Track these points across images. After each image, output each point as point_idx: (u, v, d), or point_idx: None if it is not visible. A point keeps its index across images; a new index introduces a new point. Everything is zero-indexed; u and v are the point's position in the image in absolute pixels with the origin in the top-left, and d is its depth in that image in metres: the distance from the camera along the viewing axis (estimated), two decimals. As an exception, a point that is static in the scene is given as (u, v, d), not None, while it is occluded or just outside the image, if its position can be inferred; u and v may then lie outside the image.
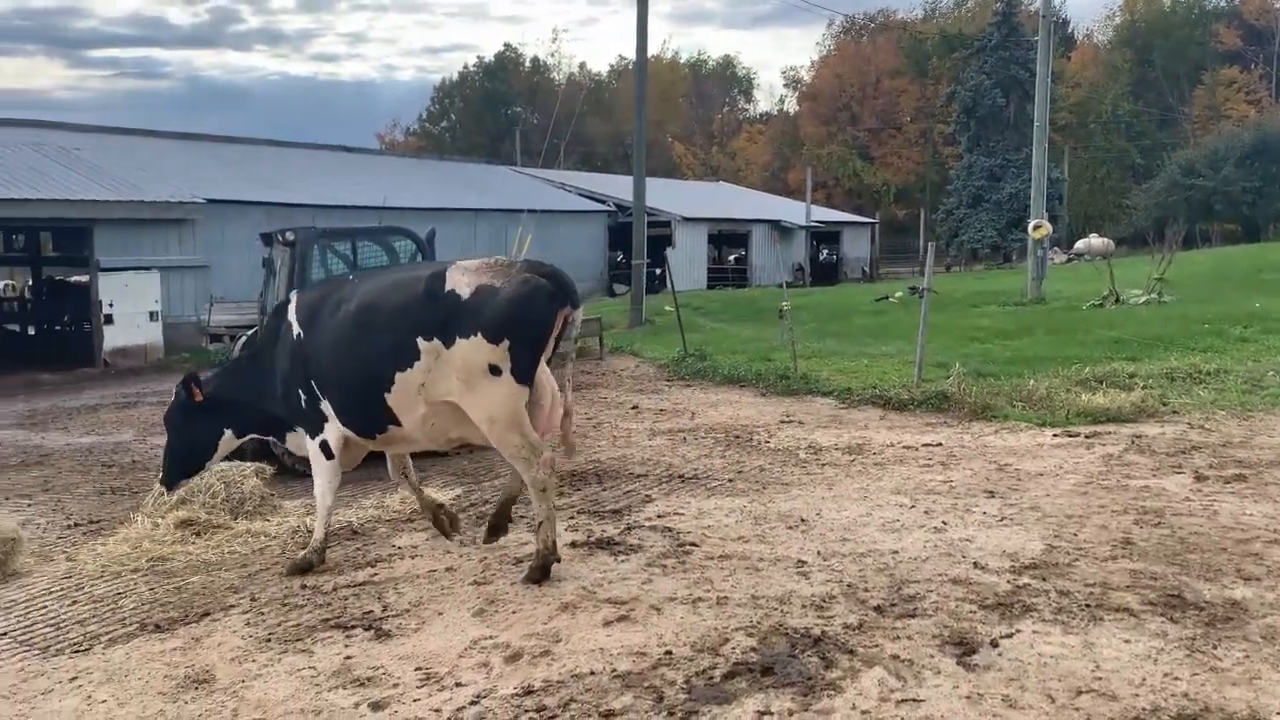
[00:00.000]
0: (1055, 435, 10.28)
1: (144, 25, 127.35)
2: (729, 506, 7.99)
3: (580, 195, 40.07)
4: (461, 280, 6.20)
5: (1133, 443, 9.67)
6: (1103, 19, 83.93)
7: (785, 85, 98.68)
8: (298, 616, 5.89)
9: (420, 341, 6.18)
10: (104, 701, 4.86)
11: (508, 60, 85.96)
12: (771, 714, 4.41)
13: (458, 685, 4.84)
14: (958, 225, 57.88)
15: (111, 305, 20.85)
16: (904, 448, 10.01)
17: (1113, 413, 10.89)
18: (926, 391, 12.37)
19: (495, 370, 6.10)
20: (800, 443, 10.47)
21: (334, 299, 6.71)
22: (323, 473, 6.82)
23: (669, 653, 5.10)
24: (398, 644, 5.40)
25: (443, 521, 7.20)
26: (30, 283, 30.08)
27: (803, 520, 7.48)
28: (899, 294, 17.05)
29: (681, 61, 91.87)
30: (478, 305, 6.10)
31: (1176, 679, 4.60)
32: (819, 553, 6.67)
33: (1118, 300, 21.80)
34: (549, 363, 6.61)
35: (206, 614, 6.01)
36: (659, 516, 7.77)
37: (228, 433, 7.10)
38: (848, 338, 18.76)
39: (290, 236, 10.83)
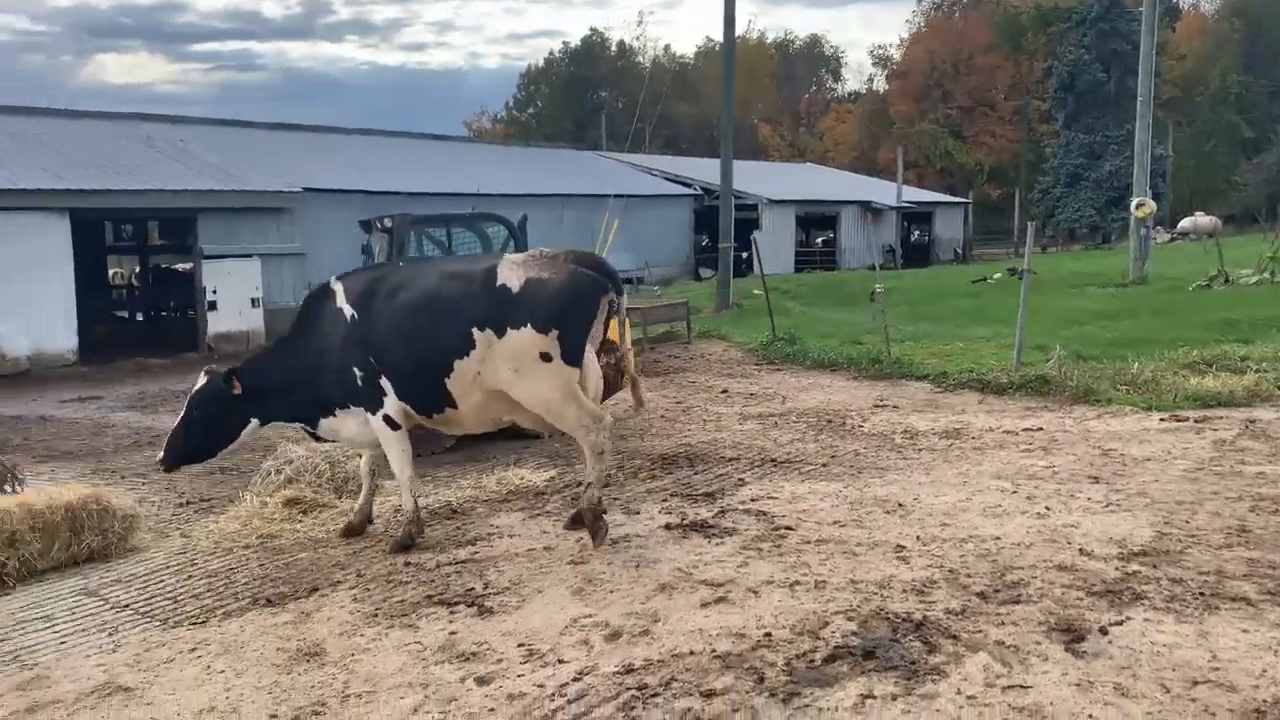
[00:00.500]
0: (1162, 420, 9.95)
1: (240, 19, 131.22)
2: (824, 491, 7.93)
3: (666, 179, 40.04)
4: (511, 274, 6.62)
5: (1246, 428, 9.32)
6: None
7: (874, 64, 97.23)
8: (402, 593, 6.04)
9: (475, 332, 6.56)
10: (222, 672, 5.06)
11: (593, 45, 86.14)
12: (874, 697, 4.38)
13: (560, 662, 4.91)
14: (1054, 205, 56.32)
15: (215, 292, 21.57)
16: (1003, 432, 9.80)
17: (1224, 397, 10.51)
18: (1026, 375, 12.09)
19: (546, 357, 6.50)
20: (895, 427, 10.32)
21: (386, 284, 6.98)
22: (393, 444, 7.02)
23: (768, 635, 5.09)
24: (500, 620, 5.50)
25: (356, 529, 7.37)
26: (138, 270, 31.37)
27: (900, 505, 7.38)
28: (997, 275, 16.66)
29: (768, 42, 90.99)
30: (527, 297, 6.52)
31: (1300, 671, 4.44)
32: (918, 538, 6.59)
33: (1227, 280, 20.98)
34: (599, 349, 6.90)
35: (315, 589, 6.20)
36: (752, 500, 7.75)
37: (254, 422, 7.15)
38: (942, 321, 18.43)
39: (388, 223, 11.07)
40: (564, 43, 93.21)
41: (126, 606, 6.14)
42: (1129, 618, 5.10)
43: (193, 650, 5.35)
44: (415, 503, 7.06)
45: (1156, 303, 18.86)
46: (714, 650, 4.94)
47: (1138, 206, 23.67)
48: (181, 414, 7.10)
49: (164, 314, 27.09)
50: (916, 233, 50.44)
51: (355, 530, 7.31)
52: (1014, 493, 7.59)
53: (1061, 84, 57.28)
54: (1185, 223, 47.82)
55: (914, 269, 40.52)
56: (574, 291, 6.57)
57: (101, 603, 6.22)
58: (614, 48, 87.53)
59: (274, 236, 23.15)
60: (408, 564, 6.59)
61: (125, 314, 28.78)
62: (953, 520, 6.95)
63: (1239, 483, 7.53)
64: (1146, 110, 24.61)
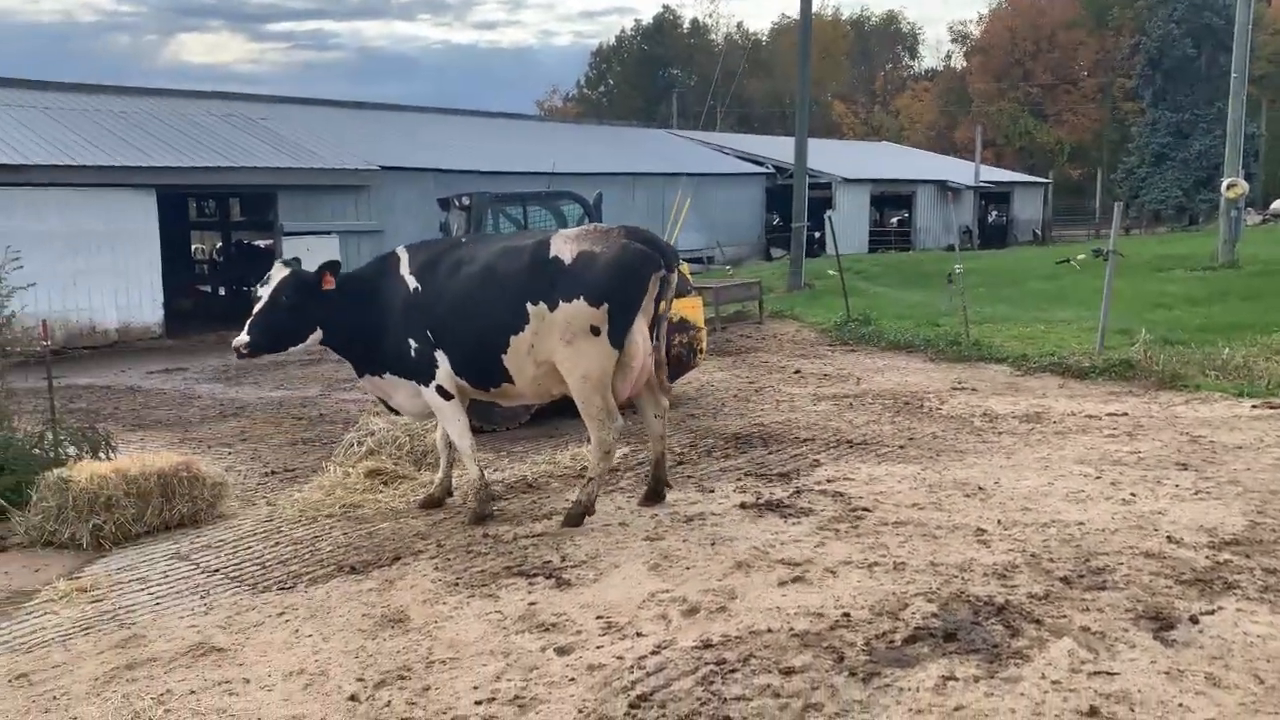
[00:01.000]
0: (1254, 406, 9.65)
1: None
2: (901, 473, 7.85)
3: (738, 157, 39.70)
4: (564, 247, 6.68)
5: (1344, 416, 8.99)
6: (1309, -42, 77.16)
7: (953, 40, 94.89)
8: (482, 563, 6.13)
9: (529, 306, 6.63)
10: (310, 636, 5.19)
11: (665, 22, 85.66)
12: (956, 679, 4.34)
13: (638, 635, 4.95)
14: (1138, 185, 54.64)
15: (295, 267, 21.94)
16: (1086, 417, 9.59)
17: (1320, 384, 10.14)
18: (1109, 359, 11.81)
19: (595, 331, 6.56)
20: (974, 410, 10.16)
21: (449, 259, 7.05)
22: (447, 413, 7.12)
23: (847, 615, 5.07)
24: (578, 593, 5.56)
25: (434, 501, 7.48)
26: (219, 246, 32.16)
27: (980, 488, 7.28)
28: (1081, 256, 16.21)
29: (843, 18, 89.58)
30: (579, 270, 6.57)
31: (1404, 667, 4.29)
32: (999, 521, 6.49)
33: (1322, 264, 20.19)
34: (651, 326, 6.88)
35: (397, 558, 6.32)
36: (828, 481, 7.71)
37: (319, 332, 7.14)
38: (1021, 303, 18.06)
39: (466, 201, 11.18)
40: (636, 20, 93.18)
41: (217, 571, 6.33)
42: (1220, 607, 4.98)
43: (281, 614, 5.51)
44: (480, 471, 7.15)
45: (1247, 287, 18.25)
46: (792, 628, 4.94)
47: (1229, 187, 22.84)
48: (266, 299, 6.98)
49: (245, 289, 27.70)
50: (994, 213, 49.34)
51: (435, 502, 7.43)
52: (1098, 478, 7.44)
53: (1149, 60, 55.38)
54: (1278, 204, 46.09)
55: (991, 250, 39.69)
56: (625, 266, 6.58)
57: (193, 567, 6.43)
58: (686, 25, 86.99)
59: (351, 214, 23.53)
60: (486, 535, 6.69)
61: (208, 288, 29.53)
62: (1034, 505, 6.84)
63: (1337, 472, 7.28)
64: (1240, 86, 23.69)
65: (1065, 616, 4.94)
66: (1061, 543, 6.04)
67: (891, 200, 44.43)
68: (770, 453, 8.78)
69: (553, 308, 6.59)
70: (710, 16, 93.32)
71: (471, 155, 28.73)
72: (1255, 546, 5.84)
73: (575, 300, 6.53)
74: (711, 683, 4.41)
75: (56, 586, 6.05)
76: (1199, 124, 52.17)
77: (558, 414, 9.74)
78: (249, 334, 6.94)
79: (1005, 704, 4.11)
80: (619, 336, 6.62)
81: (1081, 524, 6.38)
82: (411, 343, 7.01)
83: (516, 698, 4.38)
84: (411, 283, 7.07)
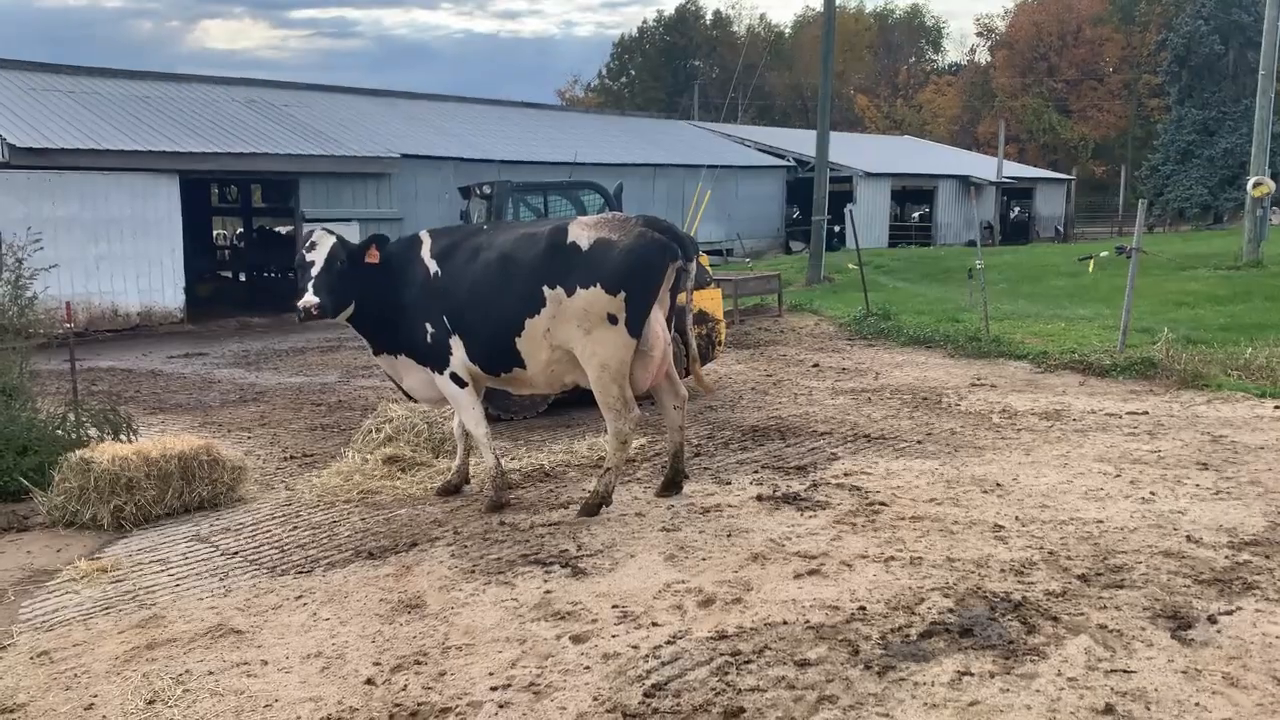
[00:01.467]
0: (1277, 407, 9.57)
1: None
2: (919, 468, 7.83)
3: (759, 150, 39.57)
4: (582, 234, 6.70)
5: (1368, 418, 8.91)
6: (1341, -45, 76.14)
7: (977, 34, 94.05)
8: (498, 551, 6.16)
9: (545, 289, 6.64)
10: (327, 619, 5.23)
11: (688, 14, 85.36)
12: (972, 674, 4.33)
13: (654, 625, 4.96)
14: (1163, 183, 54.08)
15: (315, 254, 22.02)
16: (1106, 415, 9.54)
17: (1345, 385, 10.05)
18: (1131, 357, 11.73)
19: (613, 319, 6.54)
20: (993, 406, 10.12)
21: (469, 245, 7.07)
22: (462, 401, 7.15)
23: (862, 608, 5.07)
24: (594, 582, 5.58)
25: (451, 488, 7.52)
26: (240, 232, 32.32)
27: (998, 485, 7.25)
28: (1104, 253, 16.10)
29: (867, 11, 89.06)
30: (597, 257, 6.56)
31: None
32: (1017, 518, 6.47)
33: (1349, 265, 19.96)
34: (670, 318, 6.93)
35: (414, 544, 6.36)
36: (845, 475, 7.69)
37: (353, 306, 7.10)
38: (1042, 300, 17.96)
39: (487, 190, 11.21)
40: (658, 11, 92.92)
41: (236, 554, 6.38)
42: (1239, 608, 4.95)
43: (299, 598, 5.55)
44: (496, 459, 7.17)
45: (1272, 286, 18.07)
46: (807, 621, 4.94)
47: (1255, 186, 22.60)
48: (322, 263, 6.85)
49: (265, 275, 27.86)
50: (1016, 209, 49.01)
51: (452, 489, 7.47)
52: (1117, 476, 7.40)
53: (1176, 57, 54.75)
54: (1304, 204, 45.55)
55: (1013, 246, 39.44)
56: (642, 254, 6.58)
57: (212, 549, 6.48)
58: (709, 17, 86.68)
59: (372, 201, 23.59)
60: (503, 523, 6.71)
61: (228, 274, 29.70)
62: (1053, 502, 6.81)
63: (1360, 475, 7.22)
64: (1269, 84, 23.43)
65: (1082, 614, 4.92)
66: (1080, 540, 6.01)
67: (913, 195, 44.24)
68: (787, 445, 8.77)
69: (570, 293, 6.60)
70: (733, 8, 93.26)
71: (492, 144, 28.77)
72: (1275, 547, 5.80)
73: (593, 287, 6.54)
74: (726, 673, 4.42)
75: (78, 566, 6.11)
76: (1225, 121, 51.60)
77: (575, 404, 9.77)
78: (317, 295, 6.79)
79: (1021, 700, 4.10)
80: (637, 326, 6.63)
81: (1100, 522, 6.35)
82: (428, 327, 7.04)
83: (531, 684, 4.40)
84: (432, 266, 7.10)
